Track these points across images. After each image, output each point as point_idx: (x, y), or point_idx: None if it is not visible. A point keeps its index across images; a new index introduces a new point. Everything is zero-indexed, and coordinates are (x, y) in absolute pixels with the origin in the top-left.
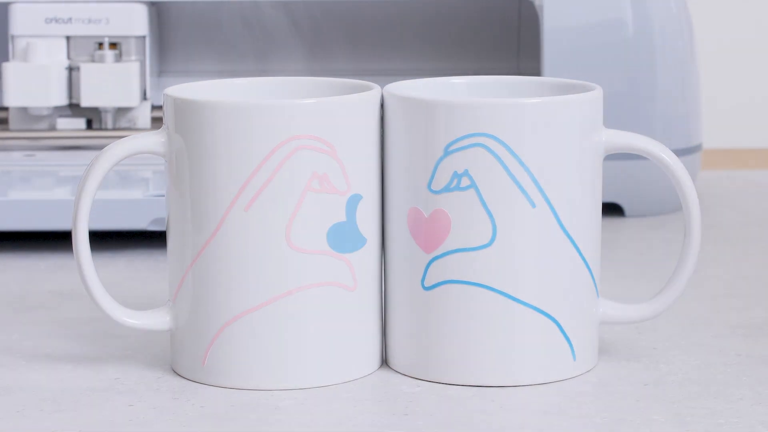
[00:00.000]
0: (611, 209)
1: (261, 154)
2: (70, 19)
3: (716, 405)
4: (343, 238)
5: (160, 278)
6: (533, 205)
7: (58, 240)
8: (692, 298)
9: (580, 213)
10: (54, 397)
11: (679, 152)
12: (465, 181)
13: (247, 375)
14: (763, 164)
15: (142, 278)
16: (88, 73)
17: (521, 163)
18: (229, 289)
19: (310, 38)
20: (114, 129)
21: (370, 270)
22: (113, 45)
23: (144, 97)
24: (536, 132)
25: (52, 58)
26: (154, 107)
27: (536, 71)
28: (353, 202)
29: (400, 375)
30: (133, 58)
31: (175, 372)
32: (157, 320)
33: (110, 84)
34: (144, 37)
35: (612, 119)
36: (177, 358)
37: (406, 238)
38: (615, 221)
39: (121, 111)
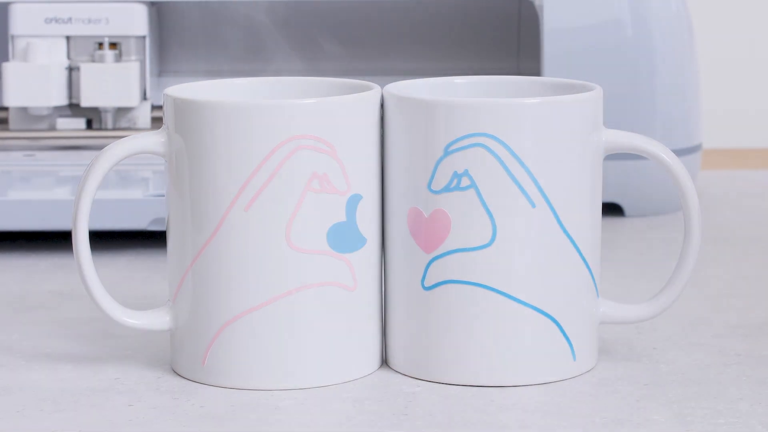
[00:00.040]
0: (611, 209)
1: (261, 154)
2: (70, 19)
3: (716, 405)
4: (343, 238)
5: (160, 278)
6: (533, 205)
7: (58, 240)
8: (692, 298)
9: (580, 213)
10: (54, 397)
11: (679, 152)
12: (465, 181)
13: (247, 375)
14: (763, 164)
15: (142, 278)
16: (88, 73)
17: (521, 163)
18: (229, 289)
19: (309, 38)
20: (114, 129)
21: (370, 270)
22: (113, 45)
23: (144, 97)
24: (536, 132)
25: (52, 58)
26: (154, 107)
27: (536, 71)
28: (353, 202)
29: (400, 375)
30: (133, 58)
31: (175, 372)
32: (157, 320)
33: (110, 84)
34: (144, 37)
35: (612, 119)
36: (177, 358)
37: (406, 238)
38: (615, 221)
39: (121, 111)
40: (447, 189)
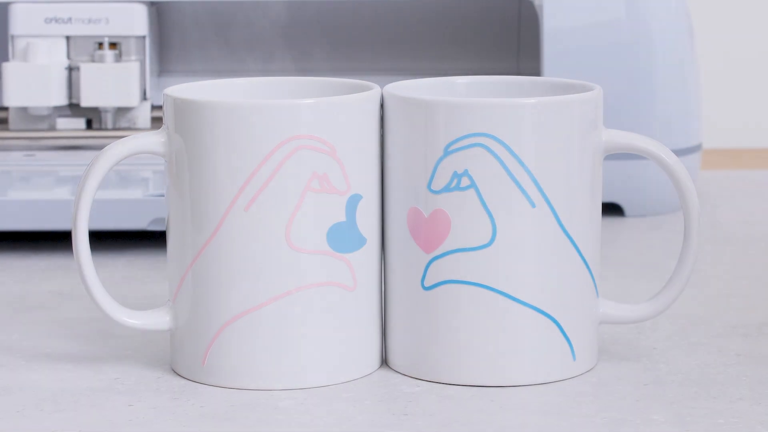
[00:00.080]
0: (611, 209)
1: (261, 154)
2: (70, 19)
3: (716, 405)
4: (343, 238)
5: (160, 278)
6: (533, 205)
7: (58, 240)
8: (692, 298)
9: (580, 213)
10: (54, 397)
11: (679, 152)
12: (465, 181)
13: (246, 375)
14: (763, 164)
15: (142, 278)
16: (88, 73)
17: (521, 163)
18: (229, 289)
19: (309, 38)
20: (114, 129)
21: (369, 270)
22: (113, 45)
23: (144, 97)
24: (536, 132)
25: (52, 58)
26: (154, 107)
27: (536, 71)
28: (353, 202)
29: (399, 375)
30: (133, 58)
31: (174, 372)
32: (157, 320)
33: (110, 84)
34: (144, 37)
35: (612, 119)
36: (177, 358)
37: (405, 238)
38: (615, 221)
39: (121, 111)
40: (447, 189)
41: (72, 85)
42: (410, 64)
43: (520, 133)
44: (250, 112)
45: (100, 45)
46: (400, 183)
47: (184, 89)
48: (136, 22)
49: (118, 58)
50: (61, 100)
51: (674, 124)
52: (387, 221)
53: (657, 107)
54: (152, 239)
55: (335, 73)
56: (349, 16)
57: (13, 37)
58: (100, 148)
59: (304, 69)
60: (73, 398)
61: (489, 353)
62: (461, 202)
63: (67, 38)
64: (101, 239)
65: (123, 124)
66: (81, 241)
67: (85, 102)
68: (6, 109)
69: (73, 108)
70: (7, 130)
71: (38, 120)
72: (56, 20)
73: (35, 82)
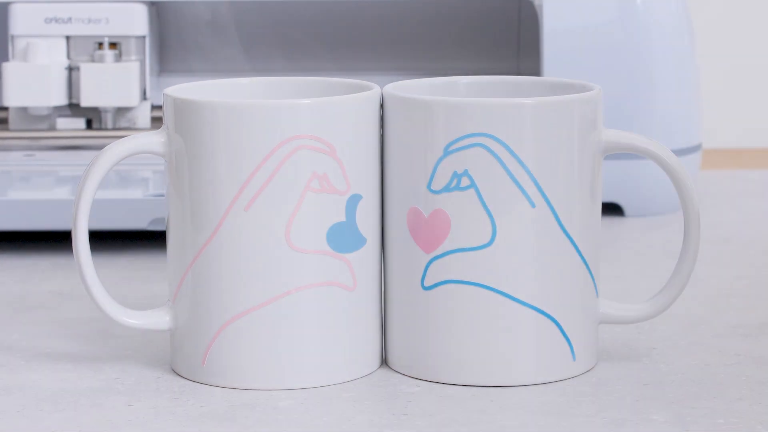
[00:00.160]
0: (611, 209)
1: (261, 154)
2: (69, 19)
3: (716, 405)
4: (342, 238)
5: (160, 278)
6: (533, 205)
7: (58, 240)
8: (692, 298)
9: (580, 213)
10: (54, 397)
11: (679, 152)
12: (465, 181)
13: (246, 375)
14: (763, 164)
15: (142, 278)
16: (88, 73)
17: (521, 163)
18: (229, 289)
19: (309, 38)
20: (114, 129)
21: (369, 270)
22: (113, 45)
23: (144, 97)
24: (536, 132)
25: (52, 58)
26: (154, 107)
27: (536, 71)
28: (353, 202)
29: (399, 375)
30: (133, 58)
31: (174, 372)
32: (156, 320)
33: (110, 84)
34: (144, 37)
35: (612, 119)
36: (177, 358)
37: (405, 238)
38: (615, 221)
39: (120, 111)
40: (447, 189)
41: (72, 85)
42: (410, 64)
43: (520, 133)
44: (250, 112)
45: (100, 45)
46: (400, 183)
47: (184, 89)
48: (136, 22)
49: (118, 58)
50: (61, 100)
51: (674, 124)
52: (387, 221)
53: (657, 107)
54: (152, 239)
55: (335, 73)
56: (349, 16)
57: (13, 37)
58: (100, 148)
59: (304, 69)
60: (73, 398)
61: (489, 353)
62: (461, 202)
63: (67, 38)
64: (101, 239)
65: (123, 124)
66: (81, 241)
67: (85, 102)
68: (6, 109)
69: (73, 108)
70: (7, 130)
71: (38, 120)
72: (56, 20)
73: (35, 82)
